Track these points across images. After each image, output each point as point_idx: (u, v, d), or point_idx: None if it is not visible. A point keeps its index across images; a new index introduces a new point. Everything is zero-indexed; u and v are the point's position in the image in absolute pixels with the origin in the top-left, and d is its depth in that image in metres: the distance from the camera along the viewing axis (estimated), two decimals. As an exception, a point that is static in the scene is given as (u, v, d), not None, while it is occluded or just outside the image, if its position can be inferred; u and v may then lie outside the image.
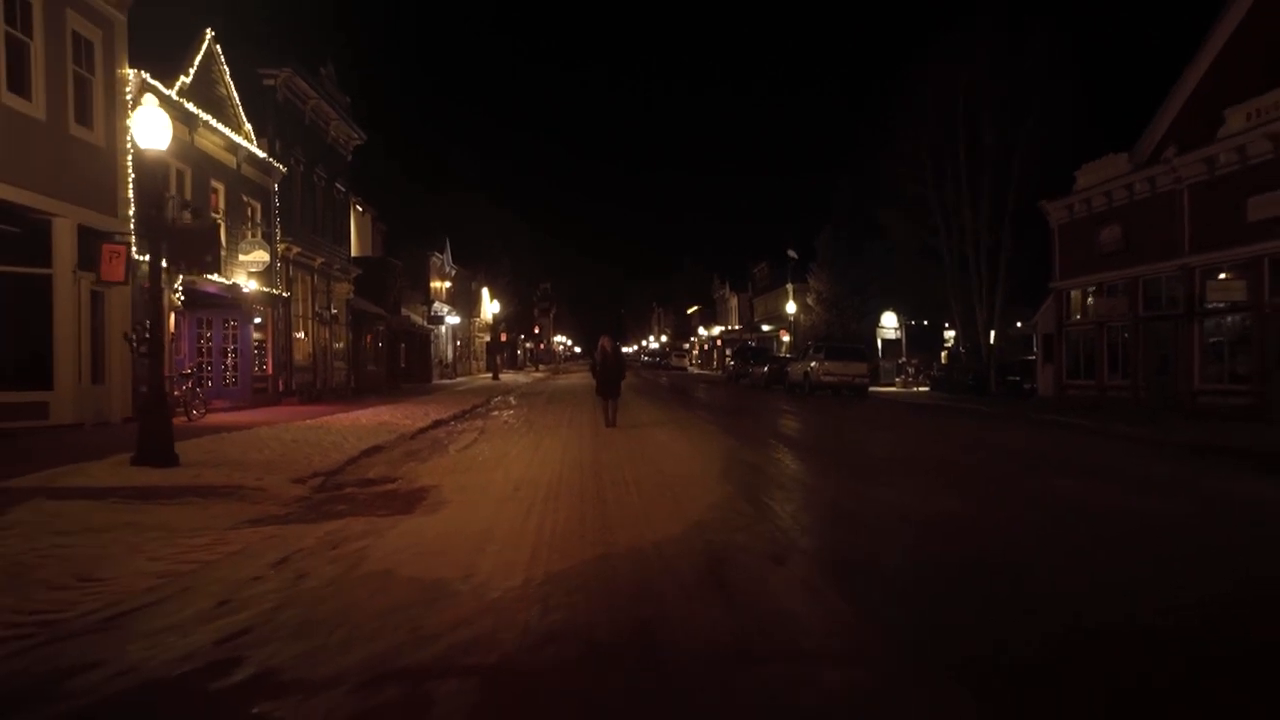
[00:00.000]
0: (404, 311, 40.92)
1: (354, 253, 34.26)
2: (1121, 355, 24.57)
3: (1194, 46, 21.60)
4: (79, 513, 7.35)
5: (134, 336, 12.73)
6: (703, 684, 3.74)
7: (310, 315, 27.73)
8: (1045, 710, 3.58)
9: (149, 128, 9.91)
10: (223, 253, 19.19)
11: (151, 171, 11.08)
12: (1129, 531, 7.36)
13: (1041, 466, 12.18)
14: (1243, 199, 19.22)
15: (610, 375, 17.09)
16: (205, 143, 20.17)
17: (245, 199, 22.97)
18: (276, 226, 24.63)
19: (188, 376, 17.58)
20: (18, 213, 13.72)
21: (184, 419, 15.78)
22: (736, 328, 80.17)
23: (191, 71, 19.26)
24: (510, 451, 12.93)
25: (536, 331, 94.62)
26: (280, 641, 4.22)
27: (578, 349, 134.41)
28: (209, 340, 21.21)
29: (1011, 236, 32.39)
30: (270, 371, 23.68)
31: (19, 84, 13.64)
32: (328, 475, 10.25)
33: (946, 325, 42.84)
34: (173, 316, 17.27)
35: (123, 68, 16.36)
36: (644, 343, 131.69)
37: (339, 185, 31.60)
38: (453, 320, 52.51)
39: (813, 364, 32.81)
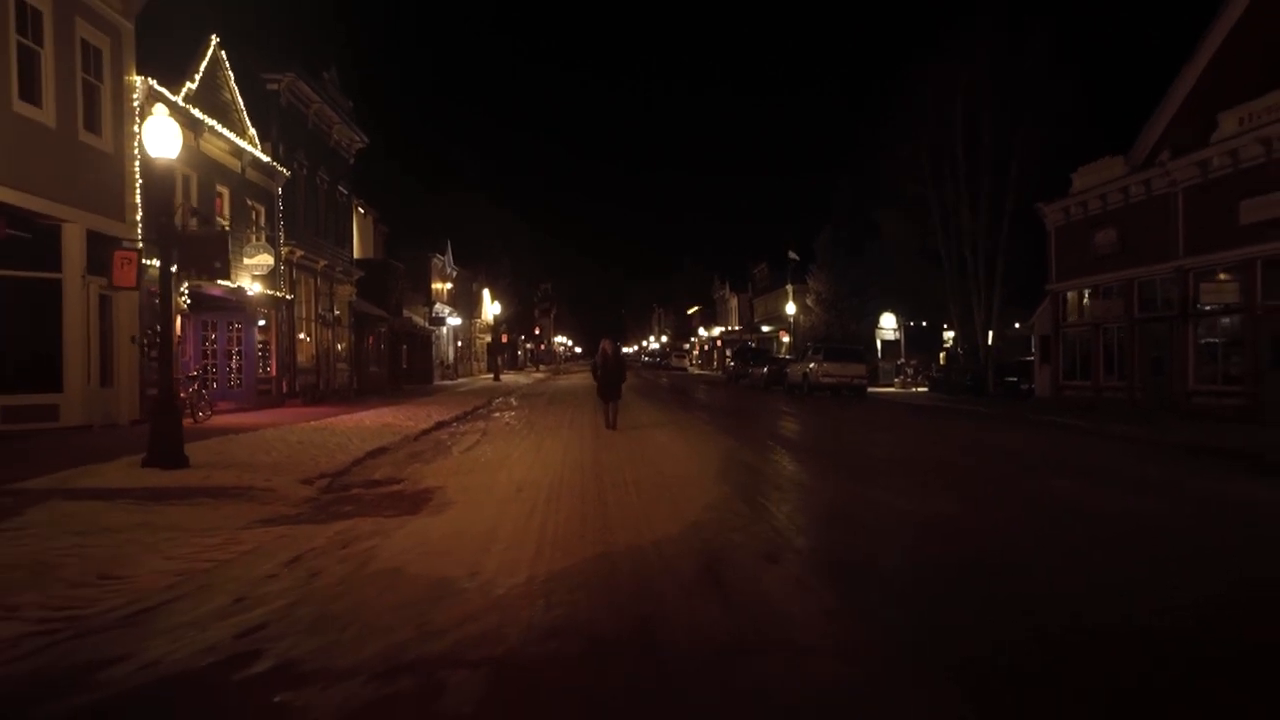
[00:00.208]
0: (406, 313, 41.12)
1: (356, 255, 34.46)
2: (1117, 356, 24.75)
3: (1191, 49, 21.79)
4: (94, 513, 7.55)
5: (145, 341, 12.96)
6: (699, 678, 3.89)
7: (313, 317, 27.94)
8: (1044, 709, 3.64)
9: (160, 137, 10.13)
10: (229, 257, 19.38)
11: (162, 180, 11.30)
12: (1125, 532, 7.45)
13: (1039, 467, 12.30)
14: (1235, 202, 19.41)
15: (611, 378, 17.25)
16: (210, 147, 20.38)
17: (250, 203, 23.19)
18: (280, 230, 24.85)
19: (194, 379, 17.79)
20: (29, 218, 13.94)
21: (190, 421, 15.97)
22: (736, 328, 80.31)
23: (197, 77, 19.47)
24: (512, 453, 13.10)
25: (537, 332, 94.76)
26: (297, 636, 4.42)
27: (578, 349, 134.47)
28: (214, 343, 21.44)
29: (1010, 238, 32.49)
30: (274, 373, 23.89)
31: (30, 92, 13.85)
32: (334, 476, 10.46)
33: (945, 326, 42.96)
34: (178, 319, 17.45)
35: (130, 74, 16.57)
36: (644, 343, 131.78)
37: (341, 188, 31.82)
38: (454, 321, 52.69)
39: (812, 365, 33.03)
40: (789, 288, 55.29)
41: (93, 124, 15.56)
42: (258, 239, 23.09)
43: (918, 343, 47.64)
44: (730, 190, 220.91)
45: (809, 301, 52.18)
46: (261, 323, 23.13)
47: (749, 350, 54.13)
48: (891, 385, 41.62)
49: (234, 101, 21.92)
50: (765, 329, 67.32)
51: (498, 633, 4.46)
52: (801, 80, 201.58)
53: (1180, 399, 21.35)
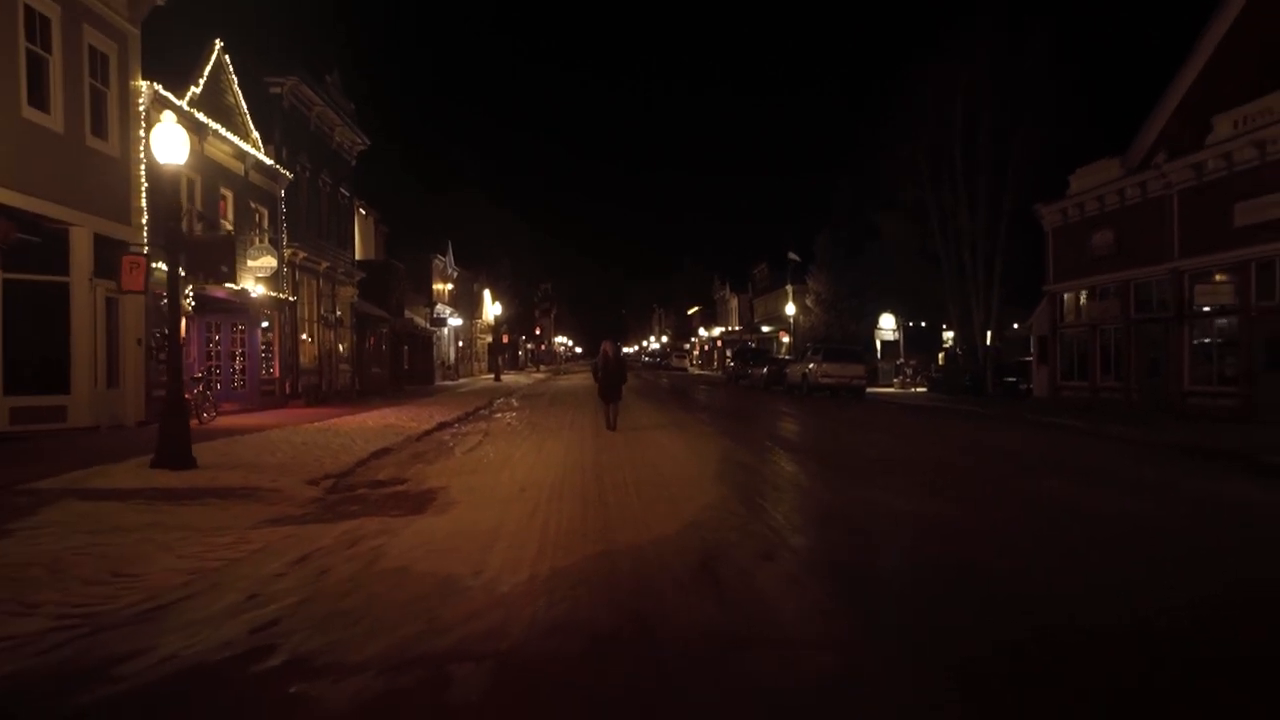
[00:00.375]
0: (407, 314, 41.28)
1: (358, 256, 34.65)
2: (1114, 357, 24.90)
3: (1188, 52, 21.93)
4: (107, 513, 7.73)
5: (154, 343, 13.12)
6: (697, 674, 4.04)
7: (316, 319, 28.12)
8: (1045, 709, 3.69)
9: (167, 143, 10.29)
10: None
11: (169, 185, 11.45)
12: (1122, 533, 7.54)
13: (1037, 468, 12.40)
14: (1230, 204, 19.59)
15: (612, 380, 17.37)
16: (214, 151, 20.55)
17: (253, 205, 23.36)
18: (283, 232, 25.03)
19: (198, 380, 17.94)
20: (37, 222, 14.10)
21: (196, 422, 16.11)
22: (737, 329, 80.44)
23: (201, 81, 19.62)
24: (514, 454, 13.23)
25: (538, 332, 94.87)
26: (308, 631, 4.58)
27: (578, 349, 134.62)
28: (218, 344, 21.61)
29: (1008, 239, 32.63)
30: (277, 374, 24.06)
31: (38, 98, 14.02)
32: (339, 477, 10.63)
33: (944, 327, 43.13)
34: (183, 321, 17.63)
35: (136, 80, 16.73)
36: (644, 343, 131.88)
37: (343, 190, 31.99)
38: (455, 322, 52.85)
39: (811, 365, 33.17)
40: (789, 288, 55.44)
41: (99, 129, 15.73)
42: (261, 241, 23.24)
43: (917, 343, 47.76)
44: (730, 190, 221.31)
45: (808, 302, 52.34)
46: (265, 324, 23.30)
47: (749, 351, 54.26)
48: (890, 386, 41.75)
49: (237, 105, 22.09)
50: (765, 329, 67.47)
51: (502, 628, 4.62)
52: (801, 80, 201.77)
53: (1176, 400, 21.51)
